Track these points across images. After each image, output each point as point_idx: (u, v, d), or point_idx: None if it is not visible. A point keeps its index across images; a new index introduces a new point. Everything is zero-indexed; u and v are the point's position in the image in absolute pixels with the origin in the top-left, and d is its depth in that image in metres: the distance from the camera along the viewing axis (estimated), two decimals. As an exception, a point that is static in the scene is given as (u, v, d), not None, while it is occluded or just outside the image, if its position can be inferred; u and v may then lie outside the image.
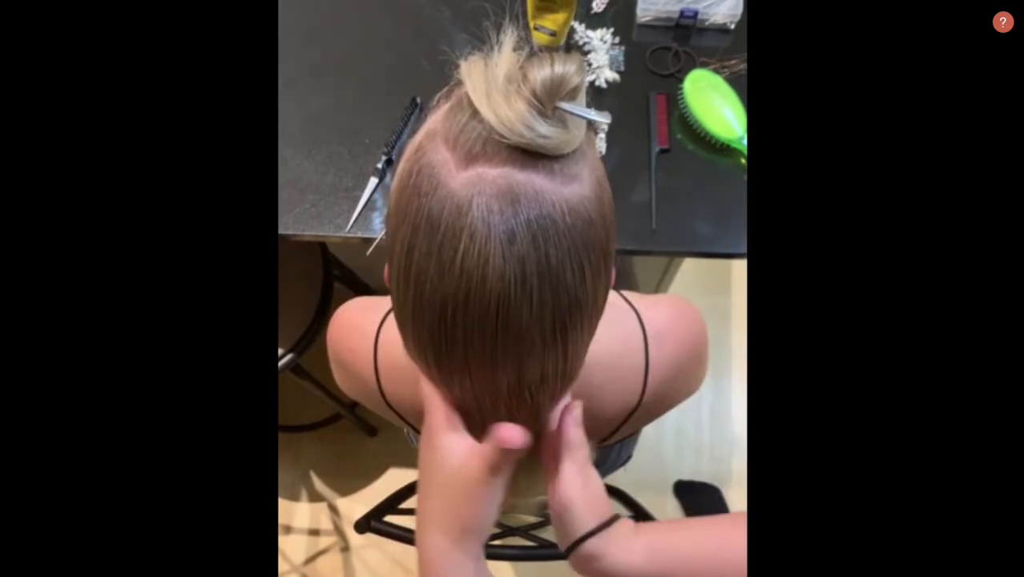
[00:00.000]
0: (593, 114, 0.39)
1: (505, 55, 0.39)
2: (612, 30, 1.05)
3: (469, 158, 0.38)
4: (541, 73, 0.37)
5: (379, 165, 0.95)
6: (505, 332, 0.39)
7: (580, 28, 1.06)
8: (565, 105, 0.38)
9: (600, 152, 0.96)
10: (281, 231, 0.92)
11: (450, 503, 0.48)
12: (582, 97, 0.39)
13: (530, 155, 0.38)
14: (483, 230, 0.37)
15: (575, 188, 0.39)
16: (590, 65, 1.03)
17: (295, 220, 0.93)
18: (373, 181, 0.95)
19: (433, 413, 0.49)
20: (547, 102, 0.37)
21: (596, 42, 1.04)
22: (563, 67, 0.37)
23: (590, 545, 0.50)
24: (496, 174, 0.37)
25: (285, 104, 1.01)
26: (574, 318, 0.41)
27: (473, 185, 0.37)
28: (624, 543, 0.51)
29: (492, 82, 0.38)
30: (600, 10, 1.08)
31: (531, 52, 0.39)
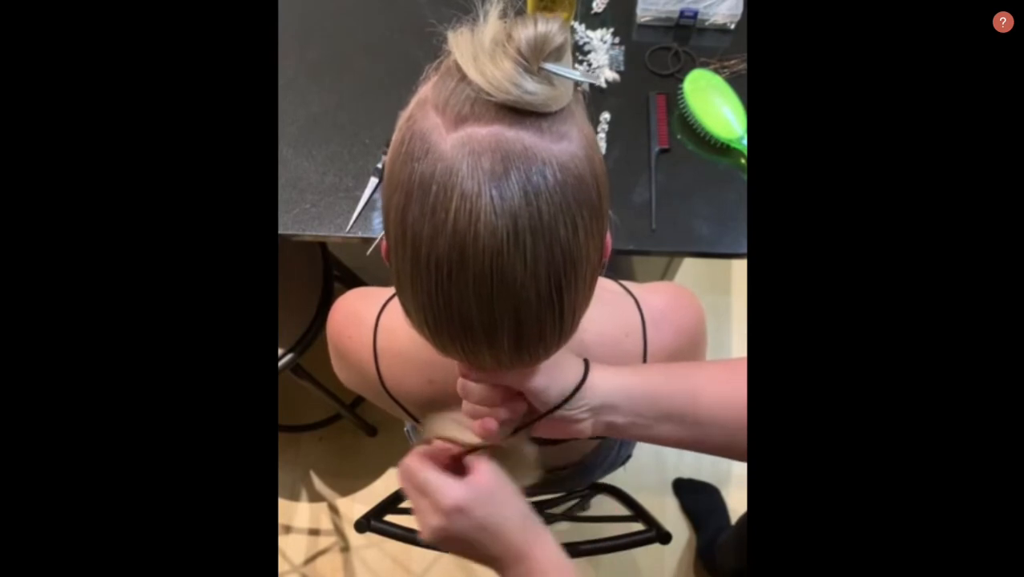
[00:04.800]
0: (578, 74, 0.40)
1: (491, 22, 0.40)
2: (612, 30, 1.06)
3: (458, 120, 0.38)
4: (525, 32, 0.38)
5: (379, 165, 0.95)
6: (502, 289, 0.39)
7: (580, 28, 1.06)
8: (550, 66, 0.38)
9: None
10: (281, 231, 0.92)
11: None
12: (568, 57, 0.40)
13: (518, 113, 0.38)
14: (473, 188, 0.37)
15: (564, 146, 0.39)
16: (590, 65, 1.03)
17: (295, 220, 0.93)
18: (373, 181, 0.95)
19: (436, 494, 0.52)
20: (532, 60, 0.38)
21: (596, 42, 1.04)
22: (546, 26, 0.38)
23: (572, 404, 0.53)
24: (485, 133, 0.38)
25: (285, 104, 1.01)
26: (569, 275, 0.41)
27: (463, 145, 0.38)
28: (601, 374, 0.54)
29: (478, 45, 0.39)
30: (600, 10, 1.08)
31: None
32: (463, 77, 0.38)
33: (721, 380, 0.55)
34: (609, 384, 0.53)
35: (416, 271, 0.41)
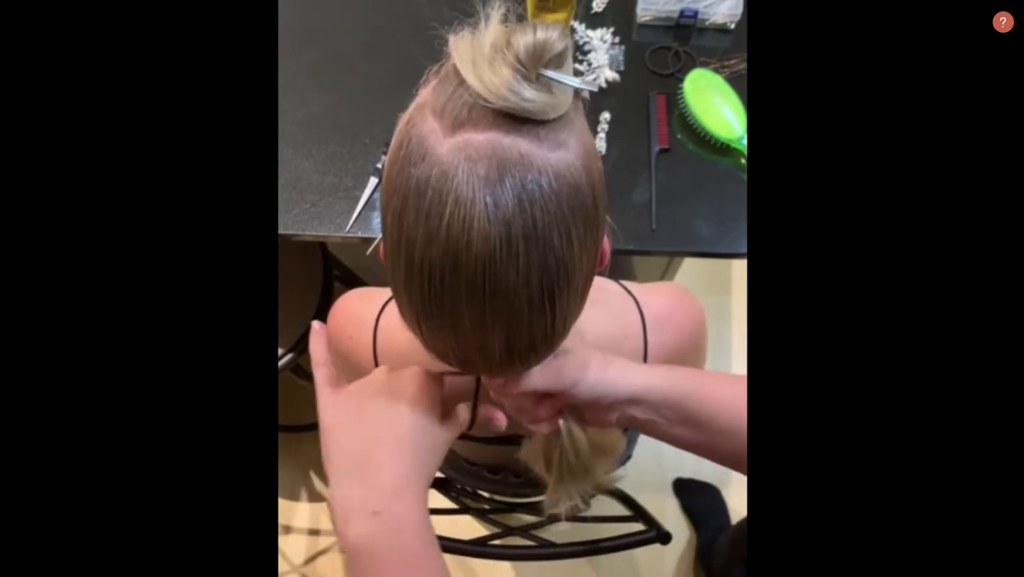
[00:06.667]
0: (577, 82, 0.39)
1: (492, 27, 0.40)
2: (612, 30, 1.06)
3: (456, 125, 0.38)
4: (524, 39, 0.38)
5: (379, 165, 0.95)
6: (493, 295, 0.39)
7: (580, 28, 1.06)
8: (550, 73, 0.38)
9: (600, 152, 0.97)
10: (281, 231, 0.92)
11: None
12: (568, 64, 0.40)
13: (516, 120, 0.38)
14: (468, 194, 0.37)
15: (561, 154, 0.39)
16: (590, 65, 1.03)
17: (295, 220, 0.93)
18: (373, 181, 0.95)
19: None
20: (531, 67, 0.38)
21: (596, 42, 1.04)
22: (545, 33, 0.38)
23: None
24: (482, 139, 0.38)
25: (285, 104, 1.01)
26: (561, 283, 0.41)
27: (459, 151, 0.38)
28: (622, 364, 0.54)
29: (478, 50, 0.39)
30: (600, 10, 1.08)
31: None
32: (462, 82, 0.38)
33: (743, 395, 0.55)
34: (639, 380, 0.54)
35: (410, 275, 0.41)
